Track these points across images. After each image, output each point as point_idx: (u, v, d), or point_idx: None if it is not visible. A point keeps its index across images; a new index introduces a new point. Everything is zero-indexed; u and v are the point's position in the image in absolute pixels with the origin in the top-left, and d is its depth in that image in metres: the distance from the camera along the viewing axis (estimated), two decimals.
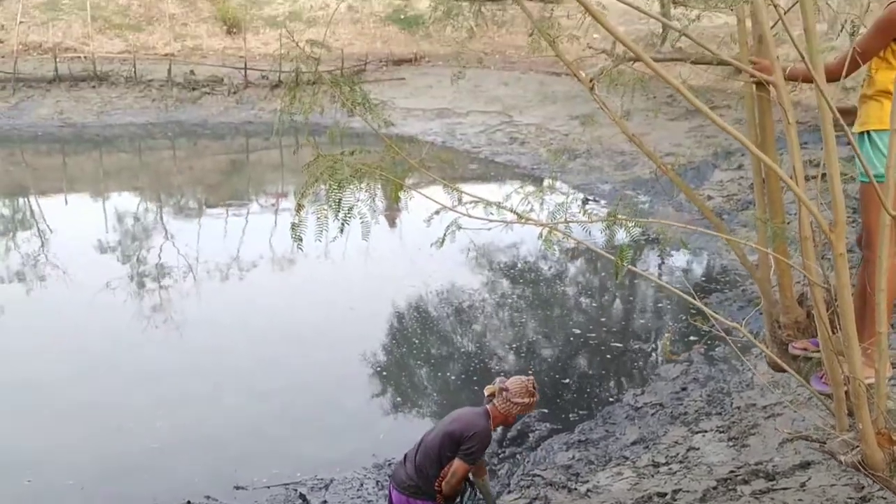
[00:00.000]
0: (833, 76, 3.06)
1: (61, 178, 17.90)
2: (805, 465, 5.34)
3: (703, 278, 10.91)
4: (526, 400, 4.52)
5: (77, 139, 20.65)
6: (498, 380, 4.68)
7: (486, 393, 4.67)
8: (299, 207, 2.86)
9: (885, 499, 4.56)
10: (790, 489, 5.09)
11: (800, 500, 4.95)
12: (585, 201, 14.57)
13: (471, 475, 4.78)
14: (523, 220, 2.90)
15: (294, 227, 2.89)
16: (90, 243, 12.06)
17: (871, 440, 2.75)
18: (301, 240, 2.89)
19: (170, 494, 5.94)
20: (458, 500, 4.82)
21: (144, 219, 14.39)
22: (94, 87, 22.72)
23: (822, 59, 2.59)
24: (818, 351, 3.17)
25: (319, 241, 3.00)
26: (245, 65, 23.54)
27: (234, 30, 26.48)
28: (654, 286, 10.35)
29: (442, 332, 9.34)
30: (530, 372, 4.94)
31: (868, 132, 3.28)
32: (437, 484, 4.62)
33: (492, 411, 4.57)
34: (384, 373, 8.25)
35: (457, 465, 4.53)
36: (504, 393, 4.52)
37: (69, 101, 22.08)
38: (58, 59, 22.64)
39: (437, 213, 3.01)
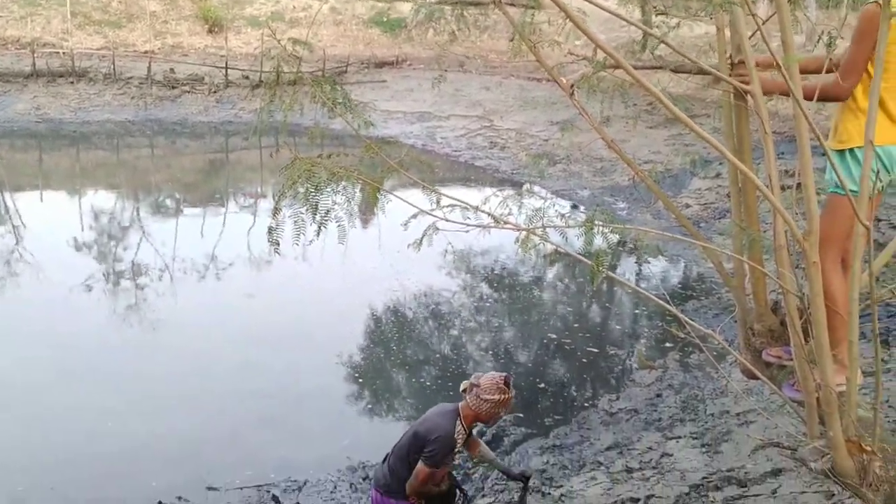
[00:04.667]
0: (808, 96, 3.06)
1: (37, 174, 17.71)
2: (777, 472, 5.37)
3: (680, 286, 10.97)
4: (496, 397, 4.35)
5: (54, 135, 20.45)
6: (473, 376, 4.54)
7: (461, 389, 4.56)
8: (276, 211, 2.84)
9: None
10: (762, 496, 5.12)
11: None
12: (574, 207, 14.65)
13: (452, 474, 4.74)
14: (500, 224, 2.90)
15: (271, 230, 2.85)
16: (65, 241, 11.95)
17: (841, 448, 2.77)
18: (278, 244, 2.86)
19: (141, 495, 5.90)
20: None
21: (121, 217, 14.27)
22: (72, 83, 22.53)
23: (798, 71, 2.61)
24: (791, 359, 3.19)
25: (296, 245, 2.97)
26: (226, 64, 23.45)
27: (216, 29, 26.38)
28: (631, 292, 10.40)
29: (418, 336, 9.33)
30: (512, 373, 4.89)
31: (852, 149, 3.28)
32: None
33: (463, 408, 4.45)
34: (360, 375, 8.23)
35: (419, 467, 4.40)
36: (475, 389, 4.39)
37: (46, 96, 21.88)
38: (36, 55, 22.44)
39: (414, 216, 3.00)
